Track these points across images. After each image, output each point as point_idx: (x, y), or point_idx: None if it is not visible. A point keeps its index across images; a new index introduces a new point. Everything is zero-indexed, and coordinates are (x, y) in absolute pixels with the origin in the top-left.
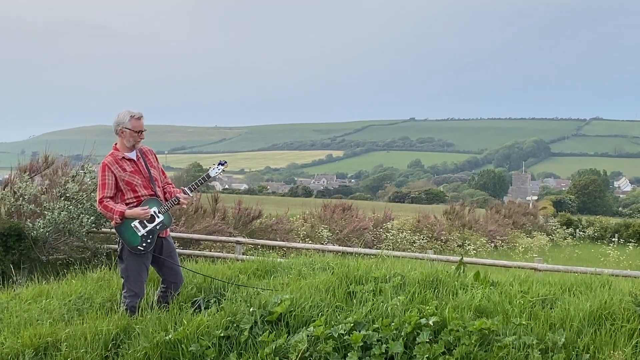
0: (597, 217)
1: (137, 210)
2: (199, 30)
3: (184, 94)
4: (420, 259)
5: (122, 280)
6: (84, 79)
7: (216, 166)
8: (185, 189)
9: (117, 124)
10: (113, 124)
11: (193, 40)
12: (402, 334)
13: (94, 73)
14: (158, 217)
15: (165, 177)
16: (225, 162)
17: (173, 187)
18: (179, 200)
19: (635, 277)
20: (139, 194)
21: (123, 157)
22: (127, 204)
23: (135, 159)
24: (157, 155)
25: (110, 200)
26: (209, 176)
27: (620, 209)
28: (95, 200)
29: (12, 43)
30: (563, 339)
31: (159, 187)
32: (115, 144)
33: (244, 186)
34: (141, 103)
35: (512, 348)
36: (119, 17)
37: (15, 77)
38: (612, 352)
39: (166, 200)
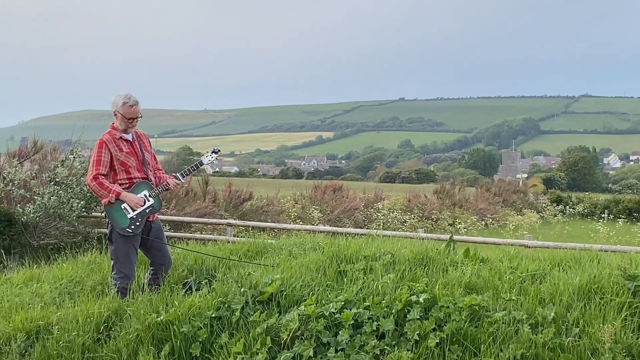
0: (587, 193)
1: (133, 197)
2: (188, 13)
3: (173, 77)
4: (411, 237)
5: (112, 262)
6: (73, 64)
7: (209, 154)
8: (177, 174)
9: (113, 105)
10: (111, 102)
11: (182, 23)
12: (393, 311)
13: (83, 58)
14: (148, 200)
15: (156, 162)
16: (219, 150)
17: (163, 173)
18: (169, 186)
19: (624, 252)
20: (132, 175)
21: (120, 137)
22: (119, 185)
23: (132, 141)
24: (150, 140)
25: (104, 178)
26: (201, 163)
27: (609, 185)
28: (86, 183)
29: None
30: (553, 314)
31: (151, 170)
32: (113, 123)
33: (234, 169)
34: (130, 87)
35: (502, 323)
36: (107, 2)
37: (2, 64)
38: (601, 325)
39: (156, 185)
